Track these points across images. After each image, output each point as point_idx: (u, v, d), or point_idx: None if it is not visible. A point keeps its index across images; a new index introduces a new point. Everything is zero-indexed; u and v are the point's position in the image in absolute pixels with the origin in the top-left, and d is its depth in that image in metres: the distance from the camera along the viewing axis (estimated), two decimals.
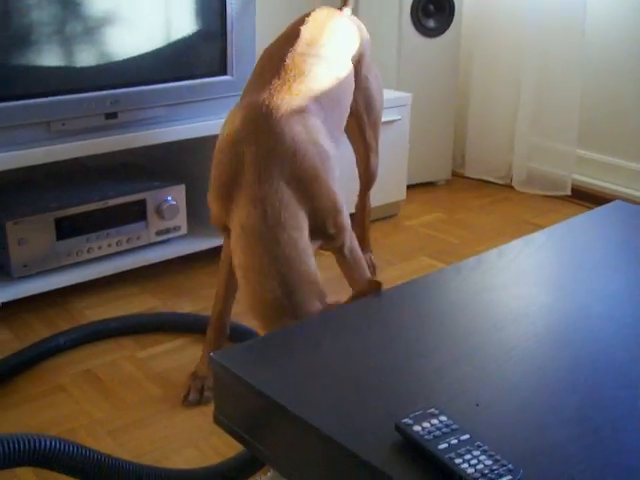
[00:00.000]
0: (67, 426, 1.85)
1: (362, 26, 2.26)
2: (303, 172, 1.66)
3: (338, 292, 2.48)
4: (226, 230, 1.73)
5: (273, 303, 1.54)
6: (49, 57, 2.14)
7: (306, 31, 1.97)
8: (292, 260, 1.57)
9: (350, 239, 1.90)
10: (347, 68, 2.04)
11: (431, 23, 3.36)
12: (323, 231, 1.73)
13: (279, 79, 1.80)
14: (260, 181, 1.62)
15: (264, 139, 1.66)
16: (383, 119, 2.83)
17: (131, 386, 2.01)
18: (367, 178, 2.52)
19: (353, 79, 2.09)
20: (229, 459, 1.58)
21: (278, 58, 1.88)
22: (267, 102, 1.71)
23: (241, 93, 1.97)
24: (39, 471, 1.67)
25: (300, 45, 1.91)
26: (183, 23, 2.37)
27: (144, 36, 2.30)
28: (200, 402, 1.94)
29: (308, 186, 1.67)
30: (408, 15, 3.29)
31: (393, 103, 3.02)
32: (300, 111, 1.74)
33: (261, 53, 2.01)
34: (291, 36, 1.96)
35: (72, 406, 1.93)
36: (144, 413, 1.91)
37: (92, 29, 2.18)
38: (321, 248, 1.93)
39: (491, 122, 3.65)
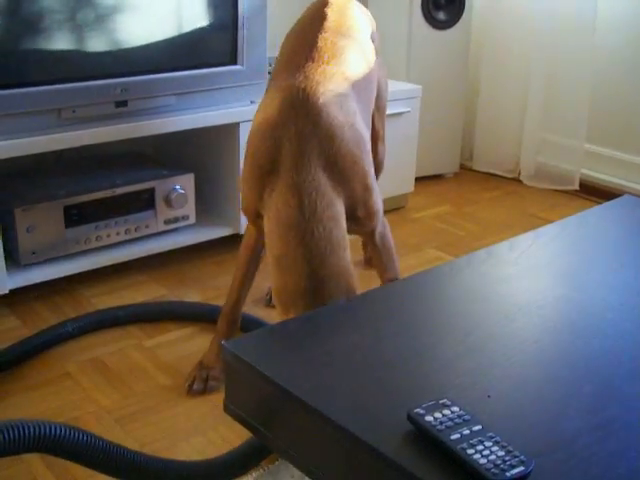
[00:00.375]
0: (74, 414, 1.85)
1: (370, 15, 2.26)
2: (340, 158, 1.66)
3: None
4: (258, 218, 1.72)
5: (300, 295, 1.54)
6: (60, 44, 2.13)
7: (332, 13, 1.96)
8: (325, 253, 1.57)
9: (382, 226, 1.89)
10: (373, 51, 2.05)
11: (441, 15, 3.35)
12: (352, 214, 1.73)
13: (312, 61, 1.79)
14: (297, 168, 1.61)
15: (302, 124, 1.65)
16: (393, 111, 2.84)
17: (138, 374, 2.01)
18: (375, 166, 2.49)
19: (377, 63, 2.09)
20: (236, 448, 1.58)
21: (308, 40, 1.87)
22: (304, 86, 1.71)
23: (270, 77, 1.96)
24: (46, 457, 1.67)
25: (329, 26, 1.91)
26: (194, 11, 2.36)
27: (155, 24, 2.29)
28: (204, 392, 1.94)
29: (344, 171, 1.66)
30: (419, 7, 3.28)
31: (403, 95, 3.01)
32: (337, 94, 1.74)
33: (284, 37, 2.01)
34: (316, 18, 1.95)
35: (79, 394, 1.93)
36: (152, 401, 1.91)
37: (104, 17, 2.18)
38: (349, 231, 1.91)
39: (500, 116, 3.64)
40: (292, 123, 1.65)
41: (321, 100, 1.69)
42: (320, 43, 1.85)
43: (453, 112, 3.57)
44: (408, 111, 3.04)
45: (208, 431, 1.79)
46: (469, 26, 3.46)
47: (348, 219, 1.71)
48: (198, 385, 1.94)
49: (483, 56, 3.63)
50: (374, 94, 2.06)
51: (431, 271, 1.48)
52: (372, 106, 2.03)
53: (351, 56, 1.87)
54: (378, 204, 1.80)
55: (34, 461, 1.68)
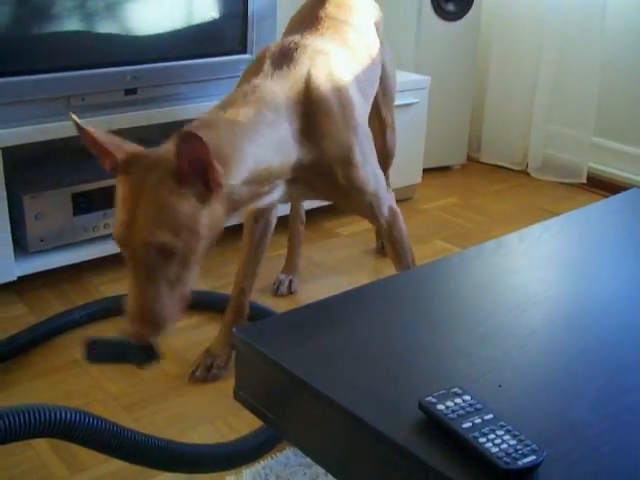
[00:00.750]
0: (82, 400, 1.86)
1: (376, 5, 2.26)
2: (313, 104, 1.62)
3: (343, 273, 2.48)
4: None
5: (179, 137, 1.49)
6: (70, 32, 2.13)
7: None
8: (221, 128, 1.51)
9: (391, 215, 1.87)
10: (376, 38, 2.06)
11: (451, 7, 3.34)
12: (334, 181, 1.70)
13: (312, 28, 1.83)
14: (260, 77, 1.61)
15: (282, 66, 1.64)
16: (401, 102, 2.83)
17: None
18: (385, 155, 2.45)
19: (380, 51, 2.09)
20: (246, 435, 1.58)
21: (310, 17, 1.90)
22: (296, 40, 1.72)
23: None
24: (55, 444, 1.68)
25: (330, 6, 1.93)
26: (205, 0, 2.36)
27: (166, 12, 2.29)
28: (206, 379, 1.94)
29: (316, 121, 1.62)
30: None
31: (411, 86, 3.00)
32: (327, 52, 1.73)
33: (288, 22, 2.03)
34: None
35: (87, 381, 1.94)
36: (160, 389, 1.91)
37: (114, 4, 2.18)
38: (340, 206, 1.88)
39: (508, 108, 3.63)
40: (274, 66, 1.65)
41: (308, 53, 1.69)
42: (321, 15, 1.88)
43: (461, 104, 3.56)
44: (416, 102, 3.04)
45: (216, 419, 1.79)
46: (478, 18, 3.45)
47: (331, 187, 1.70)
48: (201, 372, 1.95)
49: (492, 48, 3.62)
50: (376, 83, 2.06)
51: (441, 262, 1.48)
52: (373, 91, 2.03)
53: (350, 34, 1.89)
54: (374, 182, 1.76)
55: (43, 448, 1.68)
